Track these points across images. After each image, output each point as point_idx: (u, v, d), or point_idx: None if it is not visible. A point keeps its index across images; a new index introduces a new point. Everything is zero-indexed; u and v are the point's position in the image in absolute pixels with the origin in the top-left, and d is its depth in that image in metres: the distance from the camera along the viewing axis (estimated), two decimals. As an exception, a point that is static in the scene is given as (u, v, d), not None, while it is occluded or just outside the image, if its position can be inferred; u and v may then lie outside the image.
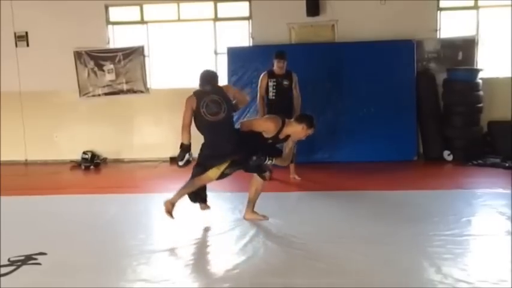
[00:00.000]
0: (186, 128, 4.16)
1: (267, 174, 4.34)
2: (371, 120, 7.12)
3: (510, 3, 7.17)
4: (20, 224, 4.51)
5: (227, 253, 3.68)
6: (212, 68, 7.70)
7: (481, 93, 7.10)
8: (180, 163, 4.12)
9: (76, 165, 7.69)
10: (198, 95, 4.19)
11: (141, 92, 7.87)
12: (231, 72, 7.41)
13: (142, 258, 3.57)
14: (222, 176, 4.20)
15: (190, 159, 4.17)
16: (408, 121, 7.20)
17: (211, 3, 7.69)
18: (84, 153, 7.71)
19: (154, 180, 6.47)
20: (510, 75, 7.22)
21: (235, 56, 7.43)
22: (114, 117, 7.94)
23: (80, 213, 4.88)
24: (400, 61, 7.25)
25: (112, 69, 7.82)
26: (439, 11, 7.42)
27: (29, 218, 4.71)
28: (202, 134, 4.22)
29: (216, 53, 7.76)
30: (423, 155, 7.32)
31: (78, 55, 7.82)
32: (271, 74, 6.01)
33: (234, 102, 4.28)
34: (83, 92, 7.92)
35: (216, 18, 7.74)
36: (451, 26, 7.44)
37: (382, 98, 7.12)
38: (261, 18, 7.56)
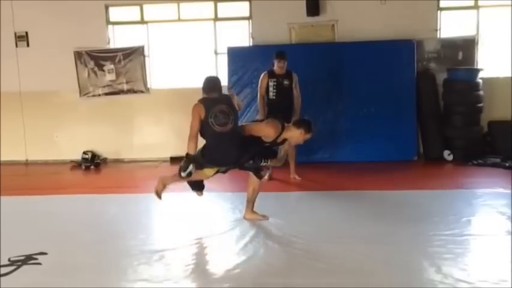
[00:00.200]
0: (193, 139, 4.01)
1: (263, 173, 4.35)
2: (371, 120, 7.12)
3: (510, 3, 7.17)
4: (21, 224, 4.52)
5: (227, 253, 3.68)
6: (212, 68, 7.77)
7: (481, 93, 7.10)
8: (183, 174, 3.96)
9: (76, 165, 7.70)
10: (205, 103, 4.07)
11: (141, 92, 7.87)
12: (231, 72, 7.41)
13: (143, 258, 3.57)
14: (216, 173, 4.25)
15: (193, 170, 4.03)
16: (408, 121, 7.20)
17: (212, 3, 7.69)
18: (85, 153, 7.71)
19: (155, 180, 6.38)
20: (510, 75, 7.22)
21: (236, 56, 7.43)
22: (114, 117, 7.95)
23: (80, 213, 4.88)
24: (400, 61, 7.25)
25: (112, 69, 7.82)
26: (439, 11, 7.42)
27: (29, 218, 4.71)
28: (206, 141, 4.17)
29: (216, 53, 7.77)
30: (423, 155, 7.32)
31: (78, 55, 7.82)
32: (271, 74, 6.01)
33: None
34: (83, 92, 7.93)
35: (216, 18, 7.74)
36: (451, 26, 7.44)
37: (383, 98, 7.12)
38: (261, 18, 7.56)
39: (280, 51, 6.00)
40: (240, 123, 4.33)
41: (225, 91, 7.37)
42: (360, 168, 6.64)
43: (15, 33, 7.83)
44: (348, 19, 7.40)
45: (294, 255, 3.57)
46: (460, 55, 7.38)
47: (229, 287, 3.12)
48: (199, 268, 3.48)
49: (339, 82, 7.25)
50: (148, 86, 7.89)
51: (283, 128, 4.17)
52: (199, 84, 7.94)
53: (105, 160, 7.89)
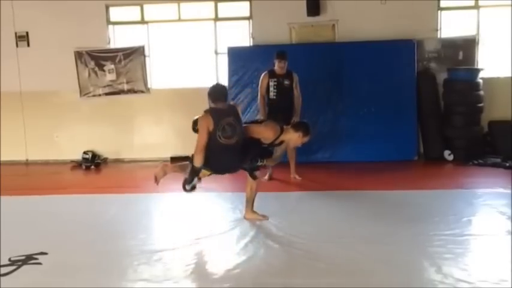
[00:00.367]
0: (201, 152, 3.91)
1: (258, 173, 4.36)
2: (371, 120, 7.12)
3: (510, 3, 7.16)
4: (21, 223, 4.52)
5: (227, 253, 3.68)
6: (212, 68, 7.77)
7: (481, 93, 7.09)
8: (188, 187, 3.88)
9: (77, 165, 7.70)
10: (214, 115, 3.96)
11: (142, 92, 7.87)
12: (232, 72, 7.41)
13: (143, 258, 3.57)
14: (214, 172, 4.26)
15: (196, 184, 3.98)
16: (409, 121, 7.19)
17: (212, 3, 7.69)
18: (85, 153, 7.72)
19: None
20: (510, 75, 7.21)
21: (236, 56, 7.43)
22: (114, 117, 7.95)
23: (80, 213, 4.88)
24: (400, 61, 7.25)
25: (112, 69, 7.83)
26: (439, 11, 7.42)
27: (29, 218, 4.71)
28: (209, 151, 4.05)
29: (216, 53, 7.77)
30: (423, 154, 7.32)
31: (78, 55, 7.82)
32: (272, 74, 6.01)
33: None
34: (83, 92, 7.93)
35: (217, 18, 7.74)
36: (451, 26, 7.43)
37: (383, 98, 7.12)
38: (262, 18, 7.56)
39: (281, 51, 6.00)
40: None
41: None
42: (360, 168, 6.64)
43: (15, 33, 7.83)
44: (348, 19, 7.39)
45: (294, 255, 3.57)
46: (461, 55, 7.38)
47: (229, 287, 3.12)
48: (199, 268, 3.48)
49: (339, 82, 7.25)
50: (149, 86, 7.89)
51: (281, 130, 4.20)
52: (200, 84, 8.00)
53: (105, 160, 7.89)
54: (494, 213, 4.49)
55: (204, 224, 4.39)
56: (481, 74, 7.14)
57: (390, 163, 6.83)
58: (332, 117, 7.24)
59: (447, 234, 3.88)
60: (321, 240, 3.83)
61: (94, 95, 7.93)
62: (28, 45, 7.87)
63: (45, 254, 3.67)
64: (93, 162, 7.64)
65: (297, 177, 6.11)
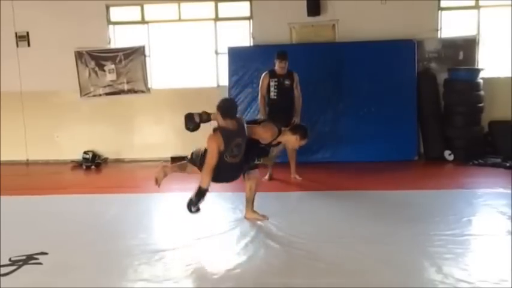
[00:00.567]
0: (210, 173, 3.84)
1: (253, 172, 4.38)
2: (372, 120, 7.12)
3: (511, 3, 7.16)
4: (21, 223, 4.52)
5: (228, 253, 3.68)
6: (213, 68, 7.77)
7: (481, 93, 7.09)
8: (193, 209, 3.79)
9: (77, 165, 7.70)
10: (224, 136, 3.87)
11: (142, 92, 7.88)
12: (232, 72, 7.41)
13: (144, 258, 3.57)
14: None
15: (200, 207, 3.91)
16: (409, 121, 7.19)
17: (212, 3, 7.69)
18: (85, 153, 7.72)
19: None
20: (511, 75, 7.21)
21: (236, 55, 7.43)
22: (115, 117, 7.95)
23: (81, 213, 4.89)
24: (400, 61, 7.25)
25: (113, 69, 7.83)
26: (439, 11, 7.41)
27: (30, 218, 4.71)
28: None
29: (216, 53, 7.77)
30: (424, 154, 7.32)
31: (79, 55, 7.83)
32: (272, 74, 6.01)
33: None
34: (83, 92, 7.93)
35: (217, 18, 7.74)
36: (452, 26, 7.43)
37: (383, 98, 7.12)
38: (262, 18, 7.56)
39: (282, 51, 6.00)
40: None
41: (225, 91, 7.48)
42: (360, 168, 6.64)
43: (16, 33, 7.84)
44: (349, 19, 7.39)
45: (294, 255, 3.57)
46: (461, 55, 7.38)
47: (230, 287, 3.13)
48: (200, 268, 3.48)
49: (340, 82, 7.25)
50: (149, 86, 7.89)
51: (279, 132, 4.22)
52: (200, 84, 7.99)
53: (105, 160, 7.90)
54: (494, 213, 4.49)
55: (204, 224, 4.38)
56: (482, 74, 7.13)
57: (390, 163, 6.83)
58: (332, 117, 7.24)
59: (447, 234, 3.88)
60: (321, 240, 3.83)
61: (94, 95, 7.93)
62: (28, 45, 7.87)
63: (46, 254, 3.67)
64: (93, 162, 7.65)
65: (297, 177, 6.11)
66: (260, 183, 4.58)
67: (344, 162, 7.00)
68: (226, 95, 7.36)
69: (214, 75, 7.79)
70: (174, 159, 7.43)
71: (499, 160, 6.66)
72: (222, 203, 4.99)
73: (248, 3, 7.63)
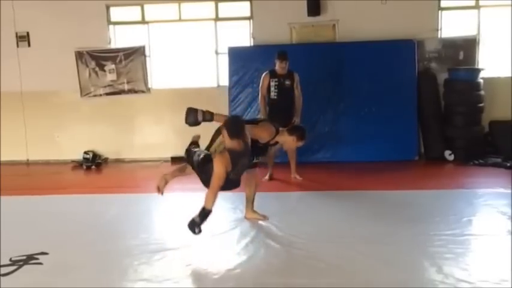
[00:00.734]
0: (216, 195, 3.73)
1: (255, 170, 4.38)
2: (372, 120, 7.12)
3: (511, 3, 7.16)
4: (22, 223, 4.52)
5: (228, 253, 3.69)
6: (213, 68, 7.77)
7: (482, 92, 7.09)
8: (197, 230, 3.67)
9: (77, 165, 7.71)
10: (232, 157, 3.75)
11: (142, 92, 7.88)
12: (232, 72, 7.41)
13: (144, 258, 3.57)
14: None
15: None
16: (409, 121, 7.19)
17: (212, 3, 7.69)
18: (86, 153, 7.72)
19: (156, 180, 6.44)
20: (511, 75, 7.21)
21: (236, 56, 7.43)
22: (115, 117, 7.95)
23: (81, 213, 4.89)
24: (401, 61, 7.24)
25: (113, 69, 7.83)
26: (440, 11, 7.41)
27: (30, 218, 4.72)
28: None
29: (217, 53, 7.77)
30: (424, 154, 7.31)
31: (79, 55, 7.83)
32: (273, 74, 6.02)
33: None
34: (84, 92, 7.94)
35: (217, 18, 7.74)
36: (452, 26, 7.43)
37: (383, 98, 7.12)
38: (262, 18, 7.56)
39: (282, 51, 6.00)
40: None
41: (225, 90, 7.48)
42: (360, 168, 6.64)
43: (16, 34, 7.84)
44: (349, 19, 7.39)
45: (295, 255, 3.57)
46: (461, 55, 7.37)
47: (230, 287, 3.13)
48: (200, 268, 3.48)
49: (340, 82, 7.25)
50: (149, 86, 7.89)
51: (277, 132, 4.21)
52: (200, 84, 7.98)
53: (106, 160, 7.90)
54: (494, 213, 4.49)
55: (205, 223, 4.38)
56: (482, 74, 7.13)
57: (391, 163, 6.83)
58: (332, 117, 7.24)
59: (448, 234, 3.88)
60: (321, 240, 3.83)
61: (95, 95, 7.94)
62: (29, 45, 7.88)
63: (46, 254, 3.67)
64: (93, 162, 7.65)
65: (297, 177, 6.12)
66: (260, 182, 4.57)
67: (344, 162, 7.00)
68: (226, 95, 7.37)
69: (214, 75, 7.79)
70: (174, 159, 7.45)
71: (499, 160, 6.66)
72: (222, 203, 4.95)
73: (248, 3, 7.63)
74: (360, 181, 5.98)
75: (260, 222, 4.34)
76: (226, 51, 7.51)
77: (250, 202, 4.45)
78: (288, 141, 4.30)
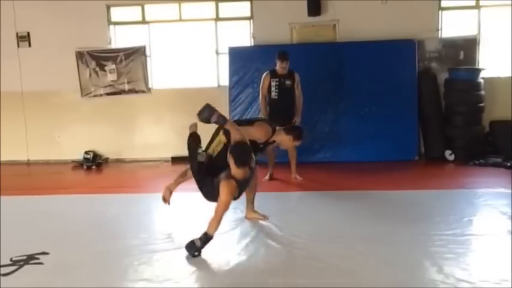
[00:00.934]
0: (220, 221, 3.68)
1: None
2: (372, 120, 7.12)
3: (511, 3, 7.16)
4: (22, 223, 4.52)
5: (228, 253, 3.68)
6: (213, 68, 7.77)
7: (482, 92, 7.09)
8: (196, 254, 3.62)
9: (78, 165, 7.71)
10: (239, 185, 3.75)
11: (143, 92, 7.89)
12: (232, 72, 7.42)
13: (144, 258, 3.57)
14: None
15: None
16: (409, 121, 7.19)
17: (213, 3, 7.70)
18: (86, 153, 7.73)
19: (156, 180, 6.46)
20: (511, 75, 7.21)
21: (237, 55, 7.43)
22: (115, 117, 7.96)
23: (81, 213, 4.89)
24: (401, 61, 7.25)
25: (114, 69, 7.84)
26: (440, 11, 7.42)
27: (31, 218, 4.72)
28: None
29: (217, 53, 7.77)
30: (424, 154, 7.31)
31: (79, 55, 7.84)
32: (273, 74, 6.02)
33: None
34: (84, 92, 7.94)
35: (218, 18, 7.75)
36: (452, 26, 7.43)
37: (384, 98, 7.13)
38: (263, 18, 7.57)
39: (283, 51, 6.01)
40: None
41: (226, 90, 7.49)
42: (360, 168, 6.64)
43: (16, 34, 7.85)
44: (349, 19, 7.40)
45: (295, 255, 3.57)
46: (462, 55, 7.38)
47: (230, 286, 3.13)
48: (201, 268, 3.48)
49: (340, 82, 7.25)
50: (150, 86, 7.90)
51: (274, 132, 4.22)
52: (201, 84, 7.98)
53: (106, 160, 7.91)
54: (495, 213, 4.49)
55: (205, 223, 4.38)
56: (482, 74, 7.13)
57: (391, 163, 6.83)
58: (333, 117, 7.24)
59: (448, 234, 3.87)
60: (321, 240, 3.83)
61: (95, 95, 7.95)
62: (29, 45, 7.89)
63: (47, 253, 3.67)
64: (94, 162, 7.66)
65: (297, 177, 6.12)
66: (260, 183, 4.57)
67: (344, 162, 7.00)
68: (226, 95, 7.37)
69: (214, 75, 7.79)
70: (175, 159, 7.46)
71: (499, 160, 6.66)
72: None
73: (249, 3, 7.64)
74: (360, 181, 5.98)
75: (260, 222, 4.34)
76: (227, 51, 7.52)
77: (250, 202, 4.45)
78: (285, 141, 4.31)
